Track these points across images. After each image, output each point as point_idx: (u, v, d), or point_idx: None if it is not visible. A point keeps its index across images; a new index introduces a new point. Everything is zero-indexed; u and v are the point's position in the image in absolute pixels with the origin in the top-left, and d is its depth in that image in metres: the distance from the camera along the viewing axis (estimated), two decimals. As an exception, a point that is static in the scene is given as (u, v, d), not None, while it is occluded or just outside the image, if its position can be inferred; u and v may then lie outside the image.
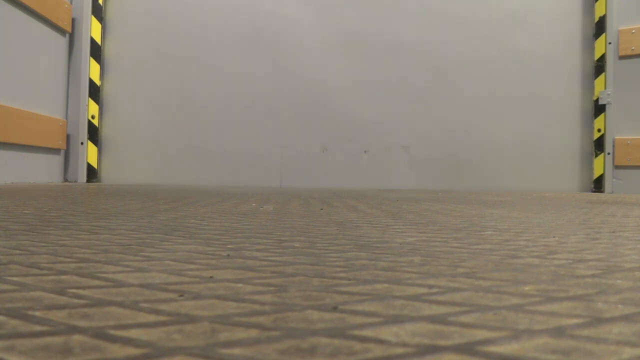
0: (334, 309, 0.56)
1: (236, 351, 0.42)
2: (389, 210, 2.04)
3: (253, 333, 0.47)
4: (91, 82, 4.76)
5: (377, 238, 1.16)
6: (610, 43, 4.81)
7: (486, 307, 0.58)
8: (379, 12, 4.97)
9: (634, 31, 4.73)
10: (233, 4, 4.94)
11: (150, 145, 4.89)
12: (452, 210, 2.05)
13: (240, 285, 0.67)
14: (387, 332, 0.48)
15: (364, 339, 0.46)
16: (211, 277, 0.71)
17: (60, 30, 4.55)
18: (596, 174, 4.89)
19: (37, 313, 0.52)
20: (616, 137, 4.80)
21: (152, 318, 0.51)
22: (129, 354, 0.41)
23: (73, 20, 4.70)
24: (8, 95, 3.82)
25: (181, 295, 0.61)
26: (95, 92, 4.78)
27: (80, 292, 0.62)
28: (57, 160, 4.58)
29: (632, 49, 4.73)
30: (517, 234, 1.28)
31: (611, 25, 4.81)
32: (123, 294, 0.61)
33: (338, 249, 0.99)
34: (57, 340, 0.44)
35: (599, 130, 4.89)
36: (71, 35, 4.72)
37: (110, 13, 4.93)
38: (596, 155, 4.90)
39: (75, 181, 4.69)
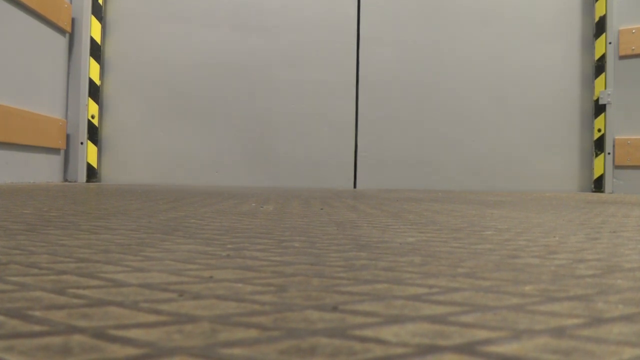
0: (334, 309, 0.56)
1: (236, 351, 0.42)
2: (389, 210, 2.04)
3: (253, 333, 0.47)
4: (91, 82, 4.76)
5: (377, 238, 1.16)
6: (610, 43, 4.81)
7: (486, 307, 0.58)
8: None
9: (634, 31, 4.73)
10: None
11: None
12: (452, 210, 2.05)
13: (240, 285, 0.67)
14: (387, 332, 0.48)
15: (364, 339, 0.46)
16: (211, 277, 0.71)
17: (60, 30, 4.55)
18: (596, 174, 4.89)
19: (37, 313, 0.52)
20: (616, 137, 4.80)
21: (152, 318, 0.51)
22: (128, 354, 0.41)
23: (73, 20, 4.70)
24: (8, 95, 3.82)
25: (181, 295, 0.61)
26: (95, 92, 4.78)
27: (80, 292, 0.62)
28: (57, 160, 4.58)
29: (632, 49, 4.73)
30: (517, 234, 1.28)
31: (611, 25, 4.80)
32: (123, 294, 0.61)
33: (338, 249, 0.99)
34: (56, 340, 0.44)
35: (599, 130, 4.89)
36: (71, 35, 4.72)
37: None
38: (596, 155, 4.90)
39: (75, 181, 4.69)
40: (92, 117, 4.77)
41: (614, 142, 4.80)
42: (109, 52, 4.90)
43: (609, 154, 4.81)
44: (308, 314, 0.54)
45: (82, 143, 4.70)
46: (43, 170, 4.35)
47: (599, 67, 4.88)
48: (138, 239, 1.07)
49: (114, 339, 0.45)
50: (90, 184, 4.46)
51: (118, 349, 0.42)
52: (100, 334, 0.46)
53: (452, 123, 4.97)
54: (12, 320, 0.49)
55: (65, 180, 4.72)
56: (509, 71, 4.99)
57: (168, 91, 4.91)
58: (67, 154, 4.71)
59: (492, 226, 1.47)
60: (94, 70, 4.78)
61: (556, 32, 5.01)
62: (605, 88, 4.83)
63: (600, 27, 4.89)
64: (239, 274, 0.74)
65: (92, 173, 4.77)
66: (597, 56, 4.90)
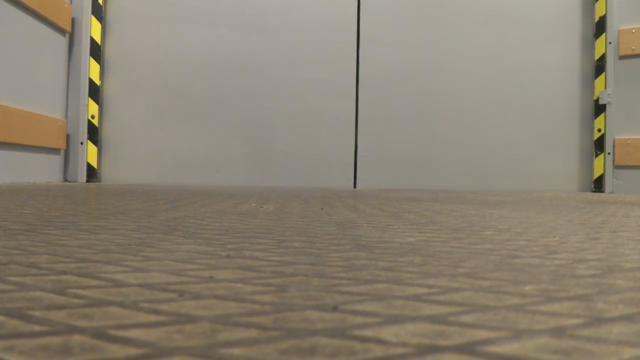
0: (334, 309, 0.56)
1: (236, 351, 0.42)
2: (389, 210, 2.04)
3: (253, 333, 0.47)
4: (91, 82, 4.76)
5: (377, 238, 1.16)
6: (610, 43, 4.81)
7: (486, 307, 0.58)
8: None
9: (634, 31, 4.73)
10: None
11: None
12: (452, 210, 2.05)
13: (240, 285, 0.67)
14: (387, 332, 0.48)
15: (364, 339, 0.46)
16: (211, 277, 0.71)
17: (60, 30, 4.55)
18: (596, 174, 4.89)
19: (37, 313, 0.52)
20: (616, 137, 4.80)
21: (152, 318, 0.51)
22: (128, 354, 0.41)
23: (73, 20, 4.70)
24: (8, 95, 3.82)
25: (181, 295, 0.61)
26: (95, 92, 4.78)
27: (80, 292, 0.62)
28: (57, 160, 4.58)
29: (632, 49, 4.73)
30: (517, 234, 1.28)
31: (611, 25, 4.80)
32: (123, 294, 0.61)
33: (338, 249, 0.99)
34: (56, 340, 0.44)
35: (599, 130, 4.89)
36: (71, 35, 4.72)
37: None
38: (596, 155, 4.90)
39: (75, 181, 4.69)
40: (92, 117, 4.77)
41: (614, 142, 4.80)
42: (109, 52, 4.90)
43: (609, 154, 4.81)
44: (308, 314, 0.54)
45: (82, 143, 4.70)
46: (43, 170, 4.35)
47: (599, 67, 4.88)
48: (138, 239, 1.07)
49: (114, 339, 0.45)
50: (90, 184, 4.46)
51: (118, 349, 0.42)
52: (100, 334, 0.46)
53: (452, 123, 4.97)
54: (12, 320, 0.49)
55: (65, 180, 4.72)
56: (509, 71, 4.99)
57: (168, 91, 4.91)
58: (67, 154, 4.71)
59: (492, 226, 1.47)
60: (94, 70, 4.78)
61: (556, 32, 5.01)
62: (605, 88, 4.83)
63: (600, 27, 4.88)
64: (239, 274, 0.74)
65: (92, 173, 4.77)
66: (597, 56, 4.90)
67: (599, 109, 4.88)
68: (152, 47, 4.92)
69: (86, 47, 4.72)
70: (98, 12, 4.82)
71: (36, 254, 0.86)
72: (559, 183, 4.98)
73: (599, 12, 4.89)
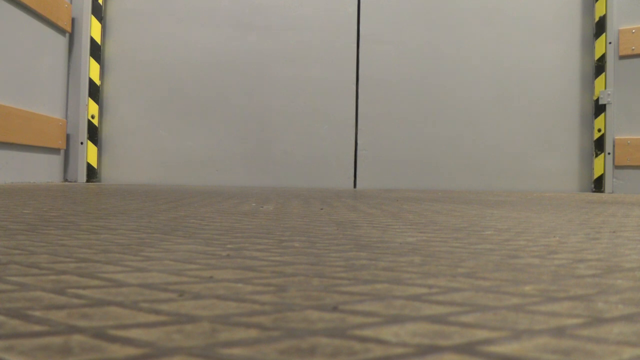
0: (334, 309, 0.56)
1: (236, 351, 0.42)
2: (389, 210, 2.04)
3: (253, 333, 0.47)
4: (91, 82, 4.76)
5: (377, 238, 1.16)
6: (610, 43, 4.81)
7: (486, 307, 0.58)
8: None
9: (634, 31, 4.73)
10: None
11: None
12: (452, 210, 2.05)
13: (240, 285, 0.67)
14: (387, 332, 0.48)
15: (364, 339, 0.46)
16: (211, 277, 0.71)
17: (60, 30, 4.55)
18: (596, 174, 4.89)
19: (37, 313, 0.52)
20: (616, 137, 4.80)
21: (152, 318, 0.51)
22: (128, 354, 0.41)
23: (73, 19, 4.70)
24: (8, 95, 3.82)
25: (181, 295, 0.61)
26: (95, 92, 4.78)
27: (80, 292, 0.62)
28: (57, 160, 4.58)
29: (632, 49, 4.73)
30: (517, 234, 1.28)
31: (611, 25, 4.80)
32: (123, 293, 0.61)
33: (338, 249, 0.99)
34: (56, 340, 0.44)
35: (599, 130, 4.89)
36: (71, 35, 4.72)
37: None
38: (596, 155, 4.90)
39: (75, 181, 4.69)
40: (92, 117, 4.77)
41: (614, 142, 4.80)
42: (109, 52, 4.90)
43: (609, 154, 4.81)
44: (308, 314, 0.54)
45: (82, 143, 4.70)
46: (43, 170, 4.35)
47: (599, 67, 4.88)
48: (138, 239, 1.07)
49: (114, 339, 0.45)
50: (90, 184, 4.46)
51: (118, 349, 0.42)
52: (100, 334, 0.46)
53: (452, 122, 4.97)
54: (12, 320, 0.49)
55: (65, 180, 4.72)
56: (509, 71, 4.99)
57: (168, 91, 4.91)
58: (67, 154, 4.71)
59: (492, 226, 1.47)
60: (94, 70, 4.78)
61: (556, 32, 5.01)
62: (605, 88, 4.83)
63: (600, 27, 4.88)
64: (239, 274, 0.74)
65: (92, 173, 4.77)
66: (597, 56, 4.90)
67: (599, 109, 4.88)
68: (152, 46, 4.92)
69: (86, 47, 4.72)
70: (98, 12, 4.81)
71: (36, 254, 0.86)
72: (559, 183, 4.98)
73: (599, 12, 4.89)
